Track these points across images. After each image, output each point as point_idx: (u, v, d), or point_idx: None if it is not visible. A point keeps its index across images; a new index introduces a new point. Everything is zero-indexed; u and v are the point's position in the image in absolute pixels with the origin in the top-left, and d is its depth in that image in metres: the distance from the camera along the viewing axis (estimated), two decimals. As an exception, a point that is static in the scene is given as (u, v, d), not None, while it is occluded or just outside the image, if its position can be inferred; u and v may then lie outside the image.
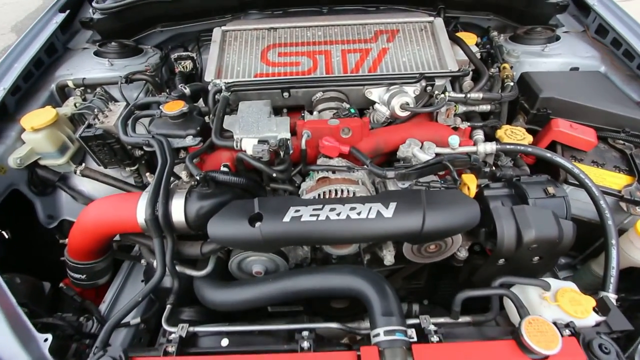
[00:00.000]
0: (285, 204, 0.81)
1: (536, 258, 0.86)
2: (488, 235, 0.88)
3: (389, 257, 0.94)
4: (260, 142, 0.93)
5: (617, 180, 1.00)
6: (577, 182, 0.92)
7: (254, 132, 0.98)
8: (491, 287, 0.77)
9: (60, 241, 1.12)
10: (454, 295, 0.79)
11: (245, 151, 0.93)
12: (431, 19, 1.31)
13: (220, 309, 0.85)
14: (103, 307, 1.09)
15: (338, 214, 0.78)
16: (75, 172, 1.19)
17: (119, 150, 1.16)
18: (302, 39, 1.29)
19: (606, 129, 1.13)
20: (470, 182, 0.89)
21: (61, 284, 1.09)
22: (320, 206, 0.80)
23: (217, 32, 1.29)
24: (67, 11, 1.45)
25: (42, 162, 1.15)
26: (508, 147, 0.96)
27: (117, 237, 1.00)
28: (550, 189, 0.86)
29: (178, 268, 0.87)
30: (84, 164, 1.21)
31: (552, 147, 1.10)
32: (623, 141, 1.11)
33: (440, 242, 0.89)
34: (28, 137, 1.10)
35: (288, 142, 0.94)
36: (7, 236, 1.25)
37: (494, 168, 0.99)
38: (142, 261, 1.04)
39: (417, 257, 0.93)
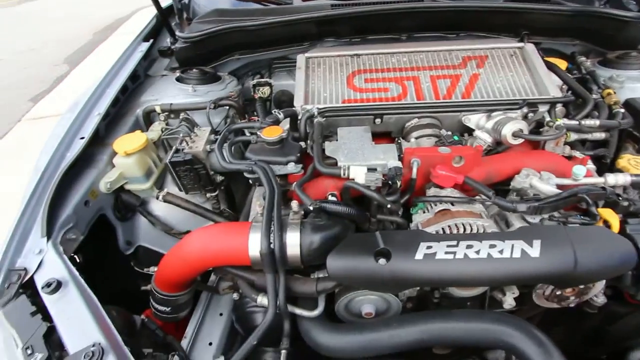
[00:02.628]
0: (414, 239, 0.73)
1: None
2: (636, 280, 0.77)
3: (509, 299, 0.83)
4: (370, 170, 0.88)
5: None
6: None
7: (359, 159, 0.92)
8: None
9: (146, 270, 1.08)
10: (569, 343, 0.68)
11: (354, 179, 0.88)
12: (521, 44, 1.26)
13: (336, 355, 0.76)
14: (184, 343, 1.01)
15: (477, 252, 0.70)
16: (157, 197, 1.16)
17: (203, 175, 1.14)
18: (388, 65, 1.26)
19: None
20: (612, 218, 0.80)
21: (142, 316, 1.03)
22: (455, 242, 0.72)
23: (301, 59, 1.28)
24: (151, 40, 1.49)
25: (127, 187, 1.13)
26: (643, 178, 0.87)
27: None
28: None
29: (290, 308, 0.79)
30: (166, 189, 1.18)
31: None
32: None
33: (581, 285, 0.78)
34: (119, 162, 1.08)
35: (399, 170, 0.88)
36: (78, 260, 1.22)
37: (627, 202, 0.89)
38: (234, 296, 0.98)
39: (548, 302, 0.83)
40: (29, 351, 0.65)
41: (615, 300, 0.86)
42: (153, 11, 1.52)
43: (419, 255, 0.71)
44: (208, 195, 1.21)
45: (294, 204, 0.83)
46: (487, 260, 0.69)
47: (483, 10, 1.34)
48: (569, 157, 1.02)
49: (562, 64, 1.29)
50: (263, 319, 0.75)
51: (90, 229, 1.02)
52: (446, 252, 0.70)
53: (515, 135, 0.97)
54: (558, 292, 0.80)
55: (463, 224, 0.79)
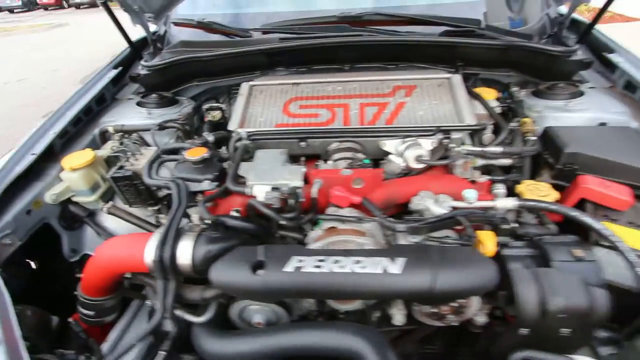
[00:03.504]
0: (289, 253, 0.79)
1: (566, 330, 0.76)
2: (508, 300, 0.81)
3: (398, 316, 0.87)
4: (274, 189, 0.95)
5: (658, 246, 0.89)
6: (609, 245, 0.83)
7: (267, 179, 1.00)
8: (510, 362, 0.68)
9: (77, 275, 1.16)
10: None
11: (256, 197, 0.95)
12: (449, 75, 1.34)
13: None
14: (105, 347, 1.08)
15: (342, 267, 0.75)
16: (102, 209, 1.26)
17: (143, 190, 1.23)
18: (323, 93, 1.36)
19: (642, 187, 1.05)
20: (488, 240, 0.84)
21: (69, 319, 1.11)
22: (324, 258, 0.78)
23: (244, 86, 1.40)
24: (120, 68, 1.65)
25: (74, 199, 1.24)
26: (530, 203, 0.91)
27: (128, 275, 1.02)
28: (578, 252, 0.78)
29: (178, 312, 0.85)
30: (111, 202, 1.28)
31: (580, 205, 1.02)
32: (665, 202, 1.01)
33: (454, 304, 0.82)
34: (65, 176, 1.20)
35: (298, 190, 0.95)
36: (34, 266, 1.32)
37: (516, 225, 0.93)
38: (148, 302, 1.04)
39: (429, 319, 0.86)
40: None
41: (500, 320, 0.88)
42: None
43: (289, 268, 0.77)
44: (149, 209, 1.30)
45: (195, 217, 0.91)
46: (349, 274, 0.74)
47: (418, 44, 1.44)
48: (473, 182, 1.06)
49: (492, 94, 1.36)
50: (150, 322, 0.81)
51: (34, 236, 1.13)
52: (314, 266, 0.76)
53: (417, 160, 1.04)
54: (434, 310, 0.84)
55: (343, 241, 0.85)
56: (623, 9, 7.38)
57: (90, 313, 1.06)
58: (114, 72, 1.62)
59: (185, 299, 0.86)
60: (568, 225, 0.98)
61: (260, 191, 0.95)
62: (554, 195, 0.97)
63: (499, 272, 0.78)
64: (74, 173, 1.19)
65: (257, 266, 0.78)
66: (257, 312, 0.89)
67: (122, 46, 1.80)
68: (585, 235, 0.92)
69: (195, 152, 1.07)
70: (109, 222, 1.32)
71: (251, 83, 1.42)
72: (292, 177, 0.99)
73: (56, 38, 9.40)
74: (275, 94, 1.38)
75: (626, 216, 0.98)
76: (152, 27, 1.82)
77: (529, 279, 0.75)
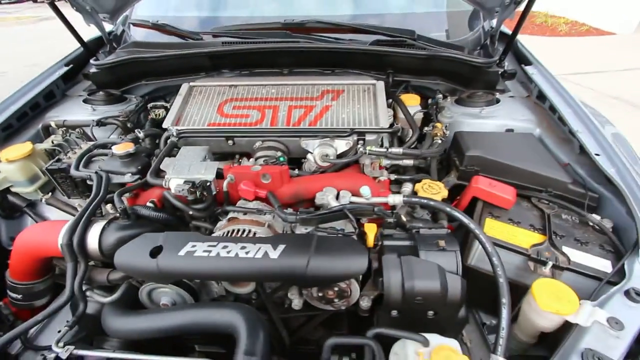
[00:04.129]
0: (186, 240, 0.88)
1: (431, 313, 0.86)
2: (383, 286, 0.90)
3: (295, 301, 0.96)
4: (186, 182, 1.03)
5: (528, 239, 1.00)
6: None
7: (184, 173, 1.08)
8: (360, 336, 0.77)
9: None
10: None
11: (170, 189, 1.04)
12: (374, 81, 1.44)
13: (115, 337, 0.89)
14: (33, 328, 1.14)
15: (228, 252, 0.84)
16: (41, 200, 1.33)
17: (79, 182, 1.30)
18: (257, 95, 1.44)
19: (531, 188, 1.16)
20: (370, 231, 0.93)
21: (0, 302, 1.17)
22: (215, 243, 0.86)
23: (184, 87, 1.48)
24: (70, 65, 1.71)
25: (13, 189, 1.31)
26: (413, 199, 1.00)
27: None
28: (442, 243, 0.88)
29: (89, 293, 0.93)
30: (50, 193, 1.35)
31: (473, 202, 1.13)
32: (547, 201, 1.12)
33: (336, 289, 0.91)
34: (3, 167, 1.26)
35: (208, 184, 1.04)
36: None
37: (404, 220, 1.02)
38: None
39: (319, 303, 0.95)
40: None
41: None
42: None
43: (182, 253, 0.85)
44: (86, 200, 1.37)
45: (109, 207, 0.99)
46: (233, 258, 0.83)
47: (351, 52, 1.54)
48: (378, 180, 1.16)
49: (415, 100, 1.46)
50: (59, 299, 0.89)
51: None
52: (204, 251, 0.85)
53: (322, 159, 1.13)
54: (320, 294, 0.92)
55: (239, 230, 0.94)
56: (599, 24, 7.64)
57: (18, 296, 1.12)
58: (64, 69, 1.68)
59: (93, 281, 0.94)
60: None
61: (174, 183, 1.03)
62: (444, 193, 1.07)
63: (378, 260, 0.87)
64: (10, 165, 1.25)
65: (155, 251, 0.86)
66: (164, 294, 0.97)
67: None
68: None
69: (123, 147, 1.15)
70: (51, 213, 1.39)
71: (191, 84, 1.50)
72: (207, 172, 1.08)
73: (42, 31, 9.29)
74: (212, 94, 1.46)
75: (510, 214, 1.09)
76: (109, 27, 1.89)
77: (395, 266, 0.84)
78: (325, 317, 1.06)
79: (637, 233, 0.91)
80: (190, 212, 1.01)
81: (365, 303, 0.95)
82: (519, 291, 0.90)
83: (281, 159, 1.19)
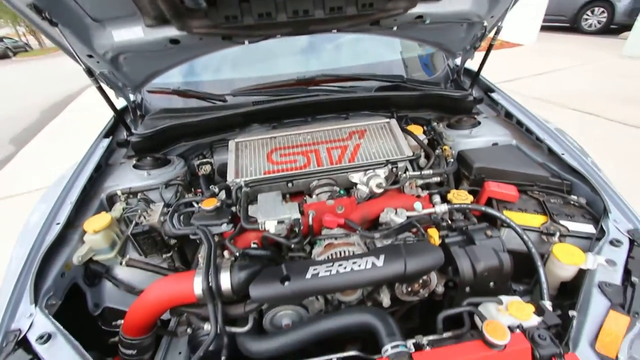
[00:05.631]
0: (306, 266, 1.11)
1: (491, 283, 1.18)
2: (454, 272, 1.20)
3: (385, 299, 1.22)
4: (280, 222, 1.27)
5: (536, 220, 1.38)
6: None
7: (272, 215, 1.31)
8: (461, 306, 1.06)
9: (114, 323, 1.32)
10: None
11: (268, 231, 1.26)
12: (387, 120, 1.81)
13: (262, 356, 1.07)
14: (149, 381, 1.25)
15: (345, 268, 1.09)
16: (121, 263, 1.44)
17: (159, 241, 1.46)
18: (296, 142, 1.72)
19: (524, 184, 1.57)
20: (434, 234, 1.25)
21: (113, 362, 1.26)
22: (331, 264, 1.11)
23: (232, 144, 1.71)
24: (110, 137, 1.85)
25: (95, 258, 1.41)
26: (456, 206, 1.35)
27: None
28: (489, 232, 1.22)
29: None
30: (127, 256, 1.47)
31: (489, 202, 1.50)
32: (538, 192, 1.54)
33: (420, 281, 1.19)
34: (89, 238, 1.37)
35: (299, 220, 1.28)
36: None
37: (450, 221, 1.36)
38: (179, 333, 1.26)
39: (408, 296, 1.22)
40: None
41: (452, 289, 1.28)
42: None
43: (308, 276, 1.08)
44: (164, 256, 1.51)
45: (226, 253, 1.18)
46: (350, 272, 1.08)
47: (361, 99, 1.90)
48: (419, 196, 1.49)
49: (419, 129, 1.85)
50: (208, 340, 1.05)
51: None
52: (325, 271, 1.09)
53: (377, 186, 1.44)
54: (409, 288, 1.20)
55: (340, 251, 1.19)
56: (509, 37, 9.18)
57: (132, 352, 1.23)
58: (106, 142, 1.81)
59: (230, 316, 1.12)
60: (483, 218, 1.45)
61: (271, 225, 1.26)
62: (470, 198, 1.43)
63: (445, 254, 1.18)
64: (96, 235, 1.37)
65: (284, 279, 1.08)
66: (285, 316, 1.17)
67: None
68: (494, 221, 1.38)
69: (209, 203, 1.35)
70: (124, 274, 1.50)
71: (236, 140, 1.73)
72: (291, 212, 1.32)
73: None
74: (257, 147, 1.71)
75: (517, 205, 1.48)
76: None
77: (463, 254, 1.16)
78: (404, 310, 1.33)
79: (603, 202, 1.34)
80: (292, 246, 1.24)
81: (440, 289, 1.25)
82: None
83: (341, 192, 1.47)
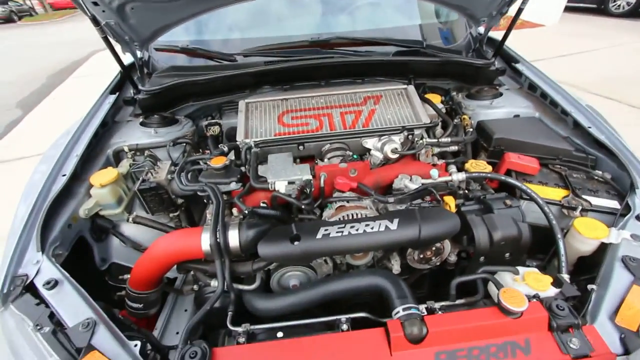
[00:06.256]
0: (317, 226, 1.07)
1: (507, 254, 1.14)
2: (469, 241, 1.16)
3: (396, 266, 1.19)
4: (290, 183, 1.23)
5: (557, 194, 1.33)
6: (528, 197, 1.24)
7: (283, 176, 1.27)
8: (476, 273, 1.03)
9: (120, 277, 1.32)
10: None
11: (278, 191, 1.22)
12: (405, 86, 1.72)
13: (270, 315, 1.06)
14: (155, 333, 1.25)
15: (357, 230, 1.05)
16: (127, 220, 1.43)
17: (166, 199, 1.43)
18: (309, 106, 1.65)
19: (546, 157, 1.50)
20: (450, 202, 1.20)
21: (119, 315, 1.26)
22: (343, 225, 1.07)
23: (242, 104, 1.64)
24: (117, 93, 1.79)
25: (102, 213, 1.39)
26: (474, 174, 1.29)
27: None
28: (508, 202, 1.17)
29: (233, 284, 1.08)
30: (134, 212, 1.45)
31: (507, 174, 1.44)
32: (560, 165, 1.47)
33: (434, 248, 1.16)
34: (95, 192, 1.35)
35: (311, 182, 1.24)
36: None
37: (466, 191, 1.31)
38: (185, 291, 1.26)
39: (419, 263, 1.19)
40: (38, 327, 0.89)
41: (465, 259, 1.24)
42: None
43: (319, 236, 1.05)
44: (171, 215, 1.49)
45: (234, 211, 1.15)
46: (363, 234, 1.04)
47: (378, 63, 1.81)
48: (434, 165, 1.43)
49: (437, 98, 1.76)
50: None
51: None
52: (337, 232, 1.05)
53: (393, 151, 1.38)
54: (421, 255, 1.17)
55: (352, 214, 1.15)
56: (530, 17, 8.78)
57: (139, 306, 1.23)
58: (112, 98, 1.76)
59: (237, 273, 1.09)
60: (500, 189, 1.39)
61: (281, 185, 1.21)
62: (489, 168, 1.37)
63: (461, 222, 1.13)
64: (103, 189, 1.35)
65: (294, 238, 1.05)
66: (292, 277, 1.15)
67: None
68: (512, 193, 1.32)
69: (218, 161, 1.30)
70: (131, 231, 1.48)
71: (246, 101, 1.67)
72: (302, 173, 1.27)
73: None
74: (268, 108, 1.65)
75: (537, 178, 1.41)
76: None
77: (480, 222, 1.11)
78: (414, 278, 1.30)
79: (631, 179, 1.27)
80: (302, 207, 1.20)
81: (453, 258, 1.21)
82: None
83: (354, 156, 1.42)
